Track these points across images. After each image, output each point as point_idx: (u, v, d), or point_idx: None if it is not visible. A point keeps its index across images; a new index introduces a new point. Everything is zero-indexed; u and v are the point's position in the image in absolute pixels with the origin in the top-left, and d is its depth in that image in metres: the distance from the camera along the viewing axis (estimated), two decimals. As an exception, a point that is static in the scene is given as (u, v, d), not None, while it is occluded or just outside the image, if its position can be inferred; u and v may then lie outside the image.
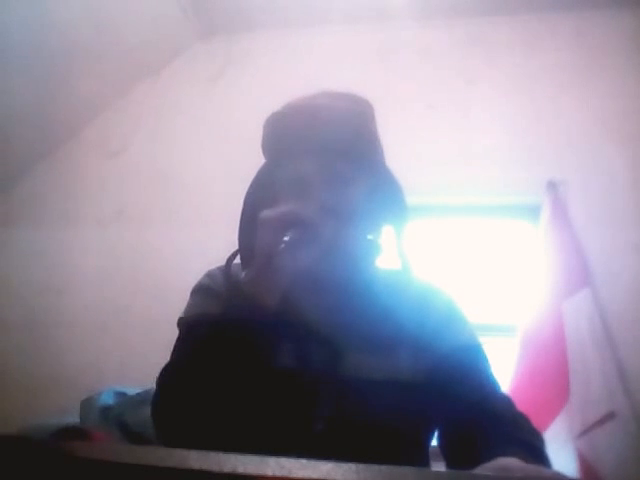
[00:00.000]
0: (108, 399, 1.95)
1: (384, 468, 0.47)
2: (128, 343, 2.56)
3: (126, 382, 2.09)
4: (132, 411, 1.85)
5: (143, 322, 2.55)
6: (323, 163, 0.95)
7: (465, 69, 2.67)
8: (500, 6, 2.62)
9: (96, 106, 2.91)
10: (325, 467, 0.47)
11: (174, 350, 0.93)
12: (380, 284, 1.00)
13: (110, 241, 2.74)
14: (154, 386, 0.89)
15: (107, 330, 2.61)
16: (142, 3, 2.61)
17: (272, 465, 0.47)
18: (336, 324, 0.93)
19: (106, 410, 1.91)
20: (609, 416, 2.06)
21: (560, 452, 1.99)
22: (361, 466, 0.47)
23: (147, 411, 0.88)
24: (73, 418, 1.92)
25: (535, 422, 0.90)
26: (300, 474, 0.47)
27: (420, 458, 0.95)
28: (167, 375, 0.88)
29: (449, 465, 0.89)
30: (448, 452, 0.91)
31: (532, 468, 0.67)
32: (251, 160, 1.04)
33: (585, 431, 2.05)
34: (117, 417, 1.87)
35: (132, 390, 1.98)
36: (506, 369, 2.15)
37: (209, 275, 1.03)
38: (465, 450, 0.83)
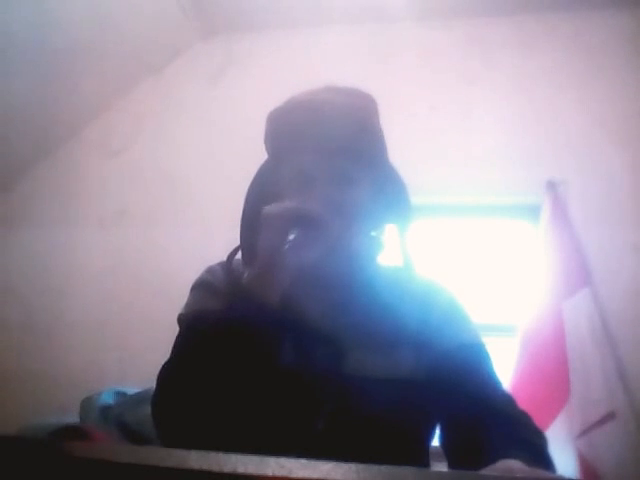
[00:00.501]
0: (108, 399, 1.95)
1: (384, 468, 0.47)
2: (128, 343, 2.56)
3: (126, 382, 2.09)
4: (132, 411, 1.85)
5: (143, 322, 2.55)
6: (326, 159, 0.94)
7: (465, 70, 2.67)
8: (499, 7, 2.62)
9: (97, 105, 2.91)
10: (325, 467, 0.47)
11: (174, 347, 0.92)
12: (383, 281, 1.00)
13: (111, 241, 2.74)
14: (154, 386, 0.88)
15: (107, 330, 2.61)
16: (143, 3, 2.61)
17: (272, 465, 0.47)
18: (338, 321, 0.93)
19: (106, 410, 1.91)
20: (609, 416, 2.06)
21: (560, 452, 1.99)
22: (361, 466, 0.47)
23: (147, 410, 0.87)
24: (73, 418, 1.92)
25: (535, 422, 0.90)
26: (300, 474, 0.47)
27: (421, 457, 0.95)
28: (167, 372, 0.87)
29: (451, 464, 0.88)
30: (450, 451, 0.90)
31: (534, 472, 0.66)
32: (253, 159, 1.04)
33: (585, 431, 2.05)
34: (117, 417, 1.87)
35: (132, 390, 1.98)
36: (506, 369, 2.15)
37: (209, 271, 1.02)
38: (467, 449, 0.83)
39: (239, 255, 0.98)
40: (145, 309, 2.59)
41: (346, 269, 0.94)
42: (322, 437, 0.86)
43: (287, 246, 0.85)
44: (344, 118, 0.94)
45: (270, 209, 0.87)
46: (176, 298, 1.06)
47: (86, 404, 1.95)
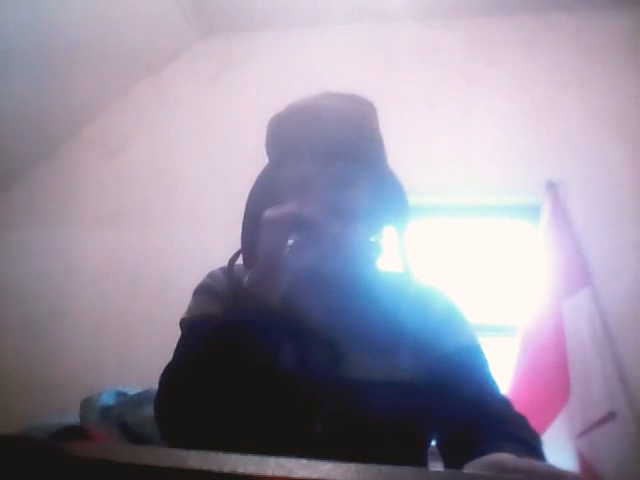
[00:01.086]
0: (108, 399, 1.95)
1: (384, 468, 0.47)
2: (128, 343, 2.56)
3: (126, 382, 2.09)
4: (132, 411, 1.85)
5: (143, 322, 2.55)
6: (325, 164, 0.95)
7: (465, 69, 2.67)
8: (500, 6, 2.62)
9: (96, 106, 2.91)
10: (325, 467, 0.47)
11: (176, 350, 0.93)
12: (381, 285, 1.01)
13: (109, 241, 2.74)
14: (154, 386, 0.89)
15: (107, 330, 2.61)
16: (142, 3, 2.61)
17: (272, 465, 0.47)
18: (337, 325, 0.94)
19: (106, 410, 1.91)
20: (609, 416, 2.06)
21: (560, 452, 1.99)
22: (361, 466, 0.47)
23: (147, 411, 0.88)
24: (73, 418, 1.92)
25: (535, 422, 0.90)
26: (300, 474, 0.47)
27: (419, 458, 0.96)
28: (169, 375, 0.88)
29: (446, 464, 0.89)
30: (446, 452, 0.91)
31: (525, 461, 0.67)
32: (251, 160, 1.05)
33: (585, 431, 2.05)
34: (117, 417, 1.87)
35: (132, 390, 1.98)
36: (506, 369, 2.16)
37: (211, 275, 1.04)
38: (462, 450, 0.83)
39: (240, 260, 0.99)
40: (144, 309, 2.59)
41: (345, 273, 0.95)
42: (321, 440, 0.87)
43: (286, 250, 0.86)
44: (343, 123, 0.96)
45: (269, 213, 0.88)
46: (175, 298, 1.06)
47: (86, 404, 1.96)
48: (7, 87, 2.47)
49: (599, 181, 2.42)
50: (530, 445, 0.81)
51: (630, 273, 2.29)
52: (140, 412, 1.79)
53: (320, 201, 0.92)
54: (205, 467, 0.47)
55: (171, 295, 2.47)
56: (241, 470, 0.47)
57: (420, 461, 0.96)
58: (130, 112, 2.92)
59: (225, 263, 1.03)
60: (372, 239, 1.02)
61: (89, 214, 2.82)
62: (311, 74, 2.62)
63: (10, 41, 2.34)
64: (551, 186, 2.40)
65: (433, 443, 0.97)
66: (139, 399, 1.89)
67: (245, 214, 1.00)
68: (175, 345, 0.95)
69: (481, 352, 0.98)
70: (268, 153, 1.04)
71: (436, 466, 0.90)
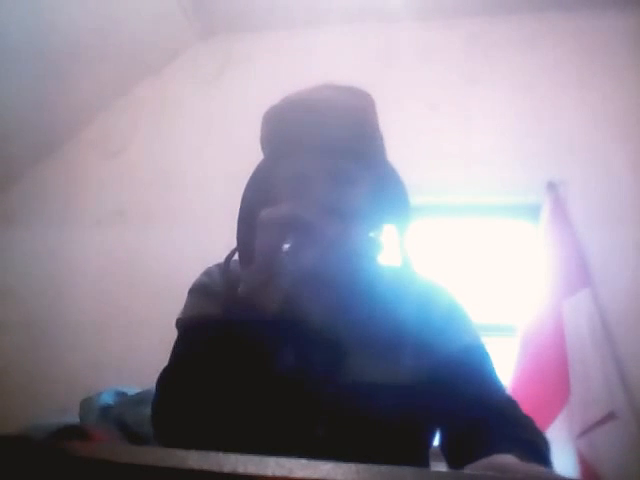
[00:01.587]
0: (108, 399, 1.95)
1: (384, 468, 0.47)
2: (128, 343, 2.56)
3: (126, 382, 2.09)
4: (132, 411, 1.85)
5: (143, 322, 2.55)
6: (323, 159, 0.92)
7: (465, 69, 2.67)
8: (500, 6, 2.62)
9: (96, 106, 2.91)
10: (325, 467, 0.47)
11: (173, 352, 0.91)
12: (382, 283, 0.98)
13: (110, 241, 2.74)
14: (154, 386, 0.88)
15: (107, 330, 2.61)
16: (142, 3, 2.61)
17: (272, 465, 0.47)
18: (338, 324, 0.92)
19: (106, 410, 1.91)
20: (609, 416, 2.06)
21: (560, 452, 1.99)
22: (361, 466, 0.47)
23: (147, 411, 0.87)
24: (73, 418, 1.92)
25: (537, 425, 0.89)
26: (300, 474, 0.47)
27: (421, 459, 0.95)
28: (166, 377, 0.87)
29: (450, 465, 0.87)
30: (449, 452, 0.90)
31: (526, 466, 0.66)
32: (251, 160, 1.04)
33: (585, 431, 2.05)
34: (117, 417, 1.87)
35: (132, 390, 1.98)
36: (506, 369, 2.15)
37: (207, 273, 1.01)
38: (466, 450, 0.82)
39: (236, 256, 0.97)
40: (144, 309, 2.58)
41: (345, 270, 0.93)
42: (322, 443, 0.85)
43: (284, 254, 0.84)
44: (341, 117, 0.93)
45: (266, 215, 0.85)
46: (175, 298, 1.06)
47: (86, 404, 1.96)
48: (7, 87, 2.47)
49: (599, 181, 2.42)
50: (536, 448, 0.80)
51: (630, 273, 2.29)
52: (140, 412, 1.79)
53: (318, 199, 0.89)
54: (205, 467, 0.47)
55: (171, 295, 2.45)
56: (241, 470, 0.47)
57: (422, 462, 0.94)
58: (130, 112, 2.92)
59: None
60: (372, 235, 0.99)
61: (89, 214, 2.82)
62: (311, 74, 2.60)
63: (10, 41, 2.34)
64: (551, 186, 2.40)
65: (435, 443, 0.96)
66: (139, 399, 1.89)
67: (240, 211, 0.97)
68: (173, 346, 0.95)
69: (485, 351, 0.96)
70: (263, 148, 1.01)
71: (438, 466, 0.89)
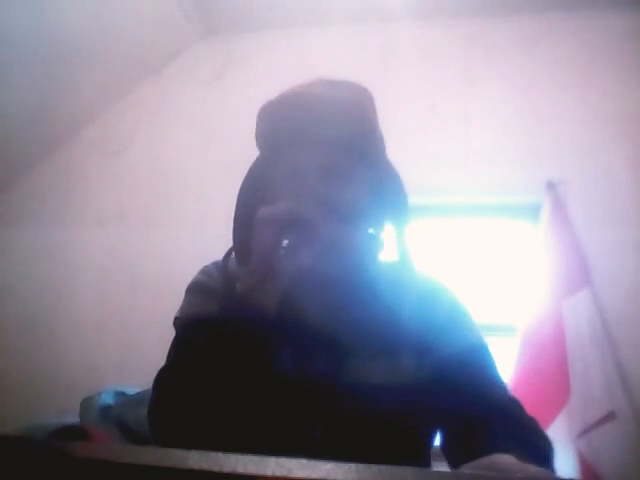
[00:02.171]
0: (108, 399, 1.95)
1: (384, 468, 0.47)
2: (128, 343, 2.56)
3: (126, 382, 2.09)
4: (132, 411, 1.85)
5: (143, 322, 2.55)
6: (321, 155, 0.91)
7: (465, 69, 2.67)
8: (500, 6, 2.62)
9: (96, 106, 2.91)
10: (325, 467, 0.47)
11: (170, 351, 0.90)
12: (383, 281, 0.97)
13: (110, 241, 2.74)
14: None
15: (107, 330, 2.61)
16: (143, 3, 2.61)
17: (272, 465, 0.47)
18: (338, 323, 0.91)
19: (106, 410, 1.91)
20: (609, 416, 2.06)
21: (560, 452, 1.98)
22: (361, 466, 0.47)
23: (146, 411, 0.87)
24: (73, 418, 1.92)
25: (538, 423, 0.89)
26: (300, 474, 0.47)
27: (422, 459, 0.94)
28: (163, 377, 0.86)
29: (451, 465, 0.87)
30: (450, 452, 0.89)
31: (523, 466, 0.65)
32: (252, 160, 1.04)
33: (585, 431, 2.05)
34: (117, 417, 1.87)
35: (132, 390, 1.98)
36: (506, 369, 2.15)
37: (204, 272, 1.00)
38: (467, 450, 0.82)
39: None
40: (144, 309, 2.58)
41: (344, 269, 0.92)
42: (320, 446, 0.85)
43: (282, 252, 0.83)
44: (338, 112, 0.91)
45: (264, 212, 0.84)
46: (175, 298, 1.05)
47: (86, 404, 1.96)
48: (8, 87, 2.47)
49: (599, 181, 2.42)
50: (537, 448, 0.79)
51: (630, 273, 2.29)
52: (140, 412, 1.79)
53: (315, 195, 0.88)
54: (205, 467, 0.47)
55: (172, 295, 2.46)
56: (241, 470, 0.47)
57: (423, 462, 0.94)
58: (131, 112, 2.92)
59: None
60: (371, 232, 0.98)
61: (90, 214, 2.82)
62: (311, 74, 2.62)
63: (11, 41, 2.34)
64: (551, 186, 2.40)
65: (435, 443, 0.96)
66: (139, 399, 1.89)
67: (236, 209, 0.95)
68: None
69: (488, 351, 0.95)
70: (259, 144, 0.99)
71: (439, 466, 0.89)
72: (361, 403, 0.87)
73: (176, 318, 0.97)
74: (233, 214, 0.95)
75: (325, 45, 2.76)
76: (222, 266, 0.95)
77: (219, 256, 1.01)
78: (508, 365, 2.18)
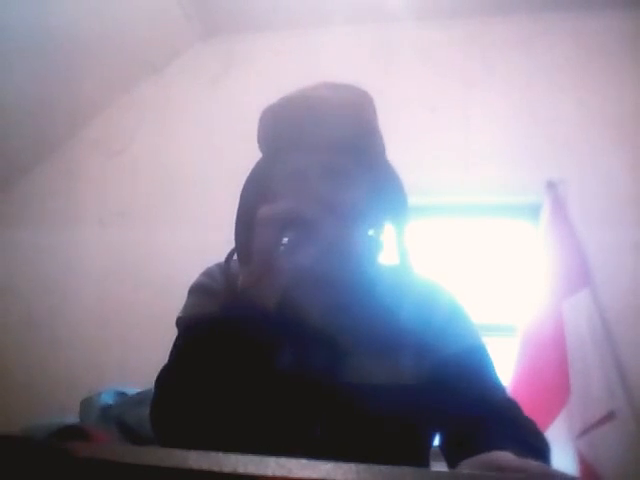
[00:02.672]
0: (108, 399, 1.95)
1: (384, 468, 0.48)
2: (129, 343, 2.56)
3: (126, 381, 2.09)
4: (132, 411, 1.85)
5: (144, 322, 2.55)
6: (321, 156, 0.92)
7: (464, 69, 2.67)
8: (499, 6, 2.62)
9: (98, 105, 2.91)
10: (325, 467, 0.47)
11: (172, 351, 0.91)
12: (382, 282, 0.98)
13: (111, 240, 2.74)
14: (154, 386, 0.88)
15: (108, 330, 2.61)
16: (144, 3, 2.61)
17: (272, 465, 0.47)
18: (338, 323, 0.91)
19: (106, 410, 1.91)
20: (609, 416, 2.06)
21: (560, 452, 1.99)
22: (361, 466, 0.47)
23: (147, 411, 0.87)
24: (73, 418, 1.92)
25: (538, 426, 0.89)
26: (300, 474, 0.47)
27: (421, 459, 0.94)
28: (165, 376, 0.87)
29: (450, 465, 0.87)
30: (449, 453, 0.89)
31: (520, 461, 0.65)
32: (253, 160, 1.04)
33: (585, 431, 2.05)
34: (117, 417, 1.87)
35: (132, 390, 1.98)
36: (506, 369, 2.15)
37: (207, 273, 1.01)
38: (466, 450, 0.82)
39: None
40: (145, 309, 2.58)
41: (344, 270, 0.92)
42: (320, 444, 0.85)
43: (282, 249, 0.83)
44: (339, 114, 0.92)
45: (265, 211, 0.85)
46: (176, 297, 1.06)
47: (86, 404, 1.96)
48: (8, 86, 2.47)
49: (598, 181, 2.42)
50: (534, 447, 0.79)
51: (630, 273, 2.29)
52: (140, 412, 1.79)
53: (316, 196, 0.89)
54: (205, 467, 0.47)
55: (173, 294, 2.45)
56: (241, 470, 0.47)
57: (422, 462, 0.94)
58: (132, 112, 2.92)
59: (226, 261, 1.03)
60: (371, 233, 0.99)
61: (91, 214, 2.82)
62: (311, 75, 2.61)
63: (11, 40, 2.34)
64: (551, 186, 2.40)
65: (435, 443, 0.96)
66: (139, 399, 1.89)
67: (239, 209, 0.96)
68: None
69: (486, 352, 0.96)
70: (261, 146, 1.00)
71: (438, 466, 0.89)
72: (360, 401, 0.87)
73: (179, 318, 0.98)
74: (235, 214, 0.96)
75: (325, 45, 2.75)
76: (224, 267, 0.96)
77: (221, 255, 1.01)
78: (508, 365, 2.18)
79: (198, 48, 2.95)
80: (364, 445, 0.85)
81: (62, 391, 2.38)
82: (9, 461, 0.50)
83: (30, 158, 2.88)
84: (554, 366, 2.15)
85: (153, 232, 2.68)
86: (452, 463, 0.86)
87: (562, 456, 1.98)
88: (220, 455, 0.48)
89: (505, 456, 0.66)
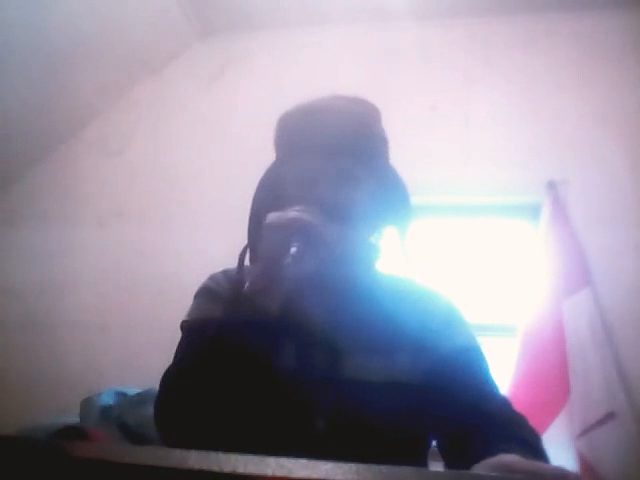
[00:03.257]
0: (108, 399, 1.95)
1: (384, 468, 0.48)
2: (128, 343, 2.56)
3: (126, 382, 2.09)
4: (132, 411, 1.85)
5: (143, 322, 2.55)
6: (329, 160, 0.96)
7: (465, 69, 2.67)
8: (500, 6, 2.62)
9: (96, 106, 2.91)
10: (325, 467, 0.47)
11: (177, 353, 0.94)
12: (381, 287, 1.01)
13: (110, 241, 2.74)
14: (154, 386, 0.89)
15: (107, 330, 2.61)
16: (142, 3, 2.61)
17: (272, 465, 0.47)
18: (337, 326, 0.94)
19: (106, 410, 1.91)
20: (609, 416, 2.06)
21: (560, 452, 1.99)
22: (361, 466, 0.47)
23: (147, 411, 0.88)
24: (73, 418, 1.92)
25: (535, 422, 0.90)
26: (300, 474, 0.47)
27: (420, 459, 0.96)
28: (170, 378, 0.89)
29: (447, 465, 0.89)
30: (446, 452, 0.91)
31: (531, 463, 0.67)
32: (252, 160, 1.04)
33: (585, 431, 2.05)
34: (117, 417, 1.87)
35: (132, 390, 1.98)
36: (506, 369, 2.15)
37: (212, 278, 1.04)
38: (463, 450, 0.83)
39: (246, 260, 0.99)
40: (145, 309, 2.59)
41: (344, 274, 0.96)
42: (323, 436, 0.87)
43: (288, 259, 0.85)
44: (347, 121, 0.98)
45: (272, 219, 0.88)
46: (175, 297, 1.06)
47: (86, 404, 1.96)
48: (7, 87, 2.47)
49: (599, 181, 2.42)
50: (531, 445, 0.81)
51: (630, 273, 2.29)
52: (140, 412, 1.79)
53: (323, 201, 0.92)
54: (205, 467, 0.47)
55: (172, 295, 2.46)
56: (241, 470, 0.47)
57: (421, 461, 0.96)
58: (130, 112, 2.92)
59: (225, 263, 1.04)
60: (372, 240, 1.02)
61: (90, 214, 2.82)
62: (310, 74, 2.63)
63: (10, 41, 2.34)
64: (551, 186, 2.40)
65: (434, 443, 0.97)
66: (139, 399, 1.89)
67: (252, 209, 1.00)
68: (175, 347, 0.96)
69: (481, 353, 0.98)
70: (276, 149, 1.05)
71: (436, 466, 0.90)
72: (360, 399, 0.89)
73: (183, 322, 1.00)
74: (249, 215, 1.00)
75: (325, 45, 2.76)
76: (238, 265, 0.97)
77: (218, 255, 1.01)
78: (508, 365, 2.18)
79: (196, 48, 2.95)
80: (365, 438, 0.87)
81: (61, 391, 2.37)
82: (9, 461, 0.50)
83: (28, 158, 2.88)
84: (554, 366, 2.15)
85: (151, 233, 2.68)
86: (450, 464, 0.89)
87: (562, 456, 1.98)
88: (220, 455, 0.48)
89: (514, 459, 0.68)
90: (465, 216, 2.63)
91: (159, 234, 2.67)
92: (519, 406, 0.93)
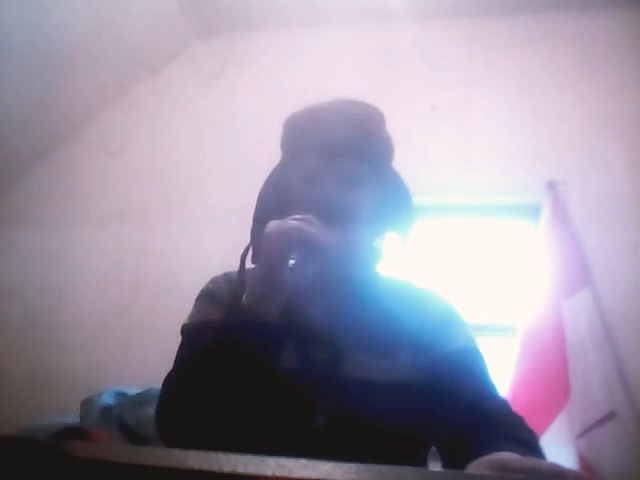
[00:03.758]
0: (108, 399, 1.95)
1: (384, 468, 0.48)
2: (128, 343, 2.56)
3: (126, 382, 2.09)
4: (132, 411, 1.85)
5: (143, 322, 2.55)
6: (332, 161, 0.97)
7: (465, 69, 2.67)
8: (500, 6, 2.62)
9: (96, 106, 2.91)
10: (325, 467, 0.47)
11: (177, 356, 0.95)
12: (380, 289, 1.02)
13: (111, 241, 2.74)
14: (155, 386, 0.89)
15: (107, 330, 2.61)
16: (142, 3, 2.61)
17: (272, 465, 0.47)
18: (337, 327, 0.95)
19: (106, 410, 1.91)
20: (609, 416, 2.06)
21: (560, 452, 1.99)
22: (361, 466, 0.47)
23: (147, 411, 0.89)
24: (73, 418, 1.92)
25: (535, 422, 0.90)
26: (300, 474, 0.47)
27: (419, 458, 0.96)
28: (171, 381, 0.89)
29: (445, 465, 0.89)
30: (444, 452, 0.92)
31: (528, 460, 0.67)
32: (252, 159, 1.05)
33: (585, 431, 2.05)
34: (117, 417, 1.87)
35: (132, 390, 1.98)
36: (506, 369, 2.15)
37: (214, 281, 1.05)
38: (461, 450, 0.83)
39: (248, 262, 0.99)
40: (145, 309, 2.59)
41: (345, 276, 0.97)
42: (323, 433, 0.88)
43: (288, 269, 0.86)
44: (351, 123, 0.99)
45: (272, 228, 0.88)
46: (176, 298, 1.06)
47: (86, 404, 1.95)
48: (7, 87, 2.47)
49: (599, 181, 2.42)
50: (529, 443, 0.82)
51: (630, 273, 2.29)
52: (140, 412, 1.79)
53: (325, 201, 0.93)
54: (205, 467, 0.47)
55: (172, 295, 2.47)
56: (241, 470, 0.47)
57: (420, 461, 0.96)
58: (130, 112, 2.93)
59: (226, 262, 1.05)
60: (373, 242, 1.03)
61: (90, 214, 2.82)
62: (310, 74, 2.63)
63: (10, 41, 2.34)
64: (551, 186, 2.40)
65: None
66: (139, 399, 1.89)
67: (256, 209, 1.02)
68: (176, 347, 0.96)
69: (479, 353, 0.99)
70: (282, 150, 1.07)
71: (436, 466, 0.90)
72: (358, 400, 0.90)
73: (184, 325, 1.00)
74: (253, 215, 1.01)
75: (325, 45, 2.76)
76: (239, 267, 0.98)
77: (219, 255, 1.02)
78: (508, 365, 2.18)
79: (196, 48, 2.95)
80: (364, 440, 0.87)
81: (61, 391, 2.37)
82: (9, 461, 0.50)
83: (29, 159, 2.88)
84: (554, 366, 2.15)
85: (152, 233, 2.68)
86: (448, 464, 0.89)
87: (562, 456, 1.98)
88: (220, 455, 0.48)
89: (511, 456, 0.69)
90: (465, 216, 2.63)
91: (160, 234, 2.67)
92: (519, 406, 0.93)
